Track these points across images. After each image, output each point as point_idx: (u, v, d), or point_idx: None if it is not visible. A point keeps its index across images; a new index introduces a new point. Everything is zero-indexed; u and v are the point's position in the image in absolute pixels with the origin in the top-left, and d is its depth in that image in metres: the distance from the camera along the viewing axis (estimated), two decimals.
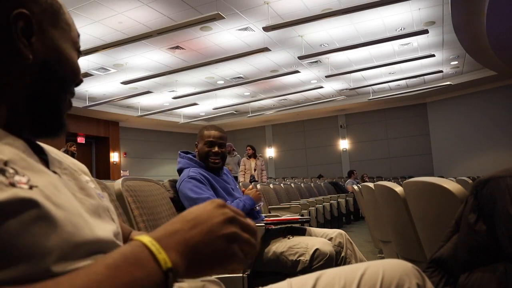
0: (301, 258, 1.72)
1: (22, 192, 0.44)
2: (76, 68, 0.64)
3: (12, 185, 0.44)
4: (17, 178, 0.46)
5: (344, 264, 1.79)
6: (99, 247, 0.53)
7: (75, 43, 0.66)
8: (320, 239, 1.80)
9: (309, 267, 1.69)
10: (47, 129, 0.61)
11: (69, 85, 0.63)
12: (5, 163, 0.47)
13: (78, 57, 0.66)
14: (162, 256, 0.44)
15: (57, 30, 0.61)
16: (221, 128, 2.10)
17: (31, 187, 0.46)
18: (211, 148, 1.99)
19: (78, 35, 0.68)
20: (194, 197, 1.81)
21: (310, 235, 1.96)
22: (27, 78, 0.57)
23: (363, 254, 1.94)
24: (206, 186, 1.88)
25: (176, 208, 1.79)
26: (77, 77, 0.64)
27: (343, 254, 1.84)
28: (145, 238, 0.45)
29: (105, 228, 0.57)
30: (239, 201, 1.91)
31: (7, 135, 0.53)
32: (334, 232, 1.93)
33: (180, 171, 1.99)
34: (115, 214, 0.66)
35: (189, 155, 2.05)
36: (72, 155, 6.50)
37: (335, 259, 1.75)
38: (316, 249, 1.70)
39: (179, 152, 2.09)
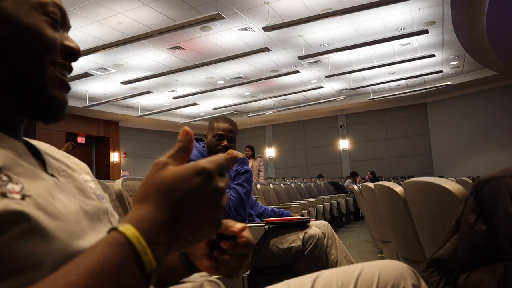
0: (293, 244, 1.77)
1: (14, 204, 0.43)
2: (42, 37, 0.52)
3: (4, 195, 0.43)
4: (10, 186, 0.44)
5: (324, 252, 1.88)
6: None
7: (41, 7, 0.53)
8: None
9: (303, 251, 1.76)
10: (41, 113, 0.55)
11: (39, 57, 0.53)
12: None
13: (54, 23, 0.55)
14: (147, 258, 0.38)
15: None
16: (232, 120, 1.96)
17: (23, 197, 0.45)
18: (220, 142, 1.90)
19: None
20: None
21: None
22: None
23: (363, 254, 1.95)
24: None
25: None
26: (49, 47, 0.53)
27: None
28: (130, 232, 0.39)
29: (104, 232, 0.56)
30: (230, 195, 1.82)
31: (3, 138, 0.51)
32: (319, 222, 2.02)
33: None
34: (113, 217, 0.64)
35: (201, 145, 1.98)
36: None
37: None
38: (305, 232, 1.79)
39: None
